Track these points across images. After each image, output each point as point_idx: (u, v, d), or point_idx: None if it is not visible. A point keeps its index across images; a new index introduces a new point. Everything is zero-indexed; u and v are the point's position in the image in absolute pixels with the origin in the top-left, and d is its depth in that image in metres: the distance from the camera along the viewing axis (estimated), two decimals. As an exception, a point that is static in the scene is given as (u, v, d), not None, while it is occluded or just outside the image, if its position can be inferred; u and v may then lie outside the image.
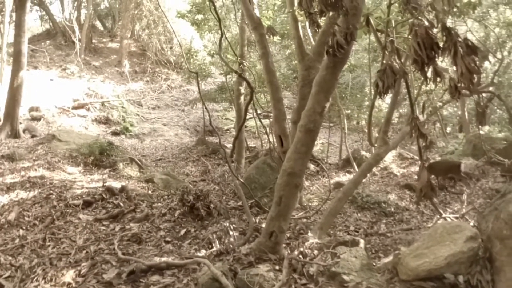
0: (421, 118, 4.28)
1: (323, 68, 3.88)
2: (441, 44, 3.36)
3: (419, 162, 3.95)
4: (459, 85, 3.14)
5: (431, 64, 3.43)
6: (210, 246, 4.62)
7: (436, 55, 3.38)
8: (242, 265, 3.88)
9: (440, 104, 10.98)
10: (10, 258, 4.33)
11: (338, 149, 11.86)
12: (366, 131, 14.10)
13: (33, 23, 23.36)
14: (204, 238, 4.76)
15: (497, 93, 7.45)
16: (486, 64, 14.07)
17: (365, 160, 10.03)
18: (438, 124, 16.66)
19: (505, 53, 12.07)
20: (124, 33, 19.05)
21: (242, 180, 5.23)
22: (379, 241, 5.97)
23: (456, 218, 6.14)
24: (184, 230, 5.07)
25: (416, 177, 8.99)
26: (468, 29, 8.84)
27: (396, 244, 5.57)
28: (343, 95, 12.64)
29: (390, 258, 4.08)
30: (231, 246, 4.46)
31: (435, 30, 3.47)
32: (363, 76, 13.47)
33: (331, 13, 3.64)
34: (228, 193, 6.53)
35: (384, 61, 3.77)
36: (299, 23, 6.31)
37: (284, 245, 4.31)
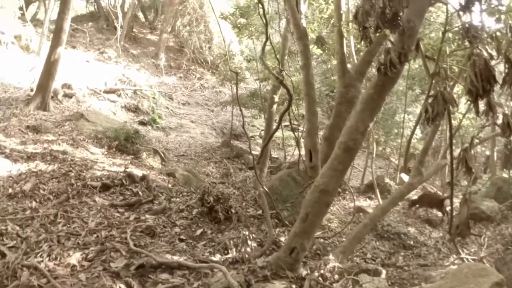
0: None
1: (371, 86, 3.74)
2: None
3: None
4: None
5: (486, 97, 3.26)
6: (225, 251, 4.45)
7: (492, 88, 3.21)
8: (256, 278, 3.71)
9: (477, 140, 10.59)
10: (17, 228, 4.25)
11: (361, 173, 11.57)
12: (396, 158, 13.83)
13: (78, 3, 23.91)
14: (220, 243, 4.59)
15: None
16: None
17: (388, 188, 9.83)
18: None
19: None
20: (164, 27, 19.23)
21: (266, 189, 5.07)
22: (396, 273, 5.72)
23: (474, 260, 5.90)
24: (201, 230, 4.92)
25: (436, 213, 8.80)
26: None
27: (413, 279, 5.34)
28: (375, 119, 12.36)
29: (409, 293, 3.84)
30: (247, 255, 4.29)
31: (493, 62, 3.31)
32: (396, 103, 13.19)
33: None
34: (248, 200, 6.37)
35: (433, 89, 3.64)
36: (344, 39, 6.17)
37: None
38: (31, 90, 10.33)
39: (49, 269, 3.58)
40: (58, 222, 4.51)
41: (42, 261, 3.70)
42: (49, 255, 3.81)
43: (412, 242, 7.12)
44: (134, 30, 21.11)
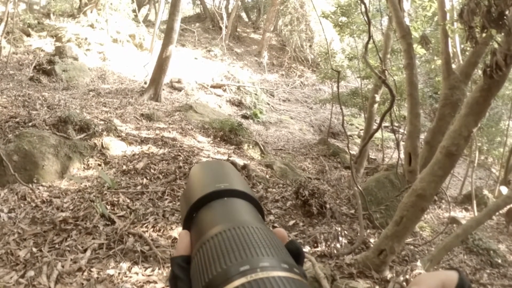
0: None
1: (476, 90, 3.59)
2: None
3: None
4: None
5: None
6: (315, 245, 4.60)
7: None
8: (341, 274, 3.81)
9: None
10: (128, 200, 4.72)
11: (460, 182, 10.77)
12: (498, 168, 12.57)
13: (186, 6, 26.02)
14: (310, 235, 4.74)
15: None
16: None
17: (485, 201, 9.14)
18: None
19: None
20: (267, 26, 19.88)
21: (361, 189, 5.10)
22: (479, 291, 5.38)
23: None
24: (293, 221, 5.09)
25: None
26: None
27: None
28: (479, 125, 11.31)
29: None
30: (336, 251, 4.41)
31: None
32: (501, 108, 11.95)
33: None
34: (342, 198, 6.43)
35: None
36: (449, 39, 5.87)
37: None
38: (145, 83, 11.41)
39: (152, 238, 3.94)
40: (165, 198, 4.89)
41: (147, 231, 4.09)
42: (153, 227, 4.19)
43: (500, 261, 6.59)
44: (238, 29, 22.21)
